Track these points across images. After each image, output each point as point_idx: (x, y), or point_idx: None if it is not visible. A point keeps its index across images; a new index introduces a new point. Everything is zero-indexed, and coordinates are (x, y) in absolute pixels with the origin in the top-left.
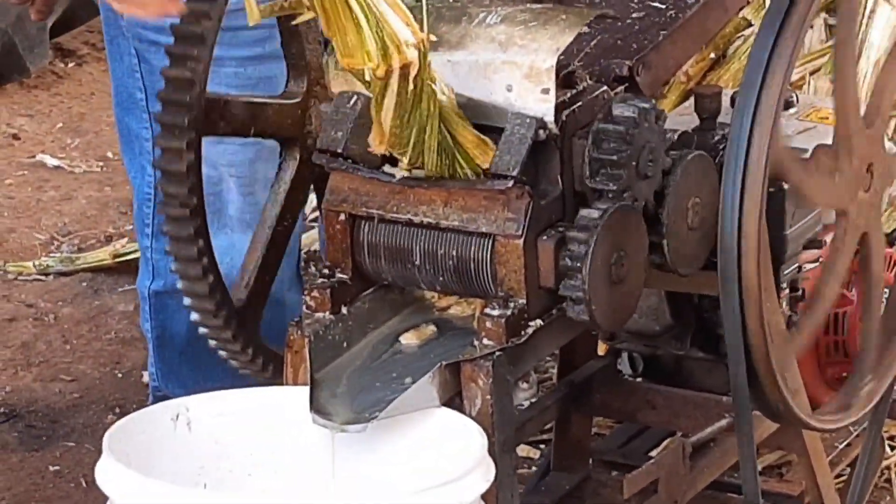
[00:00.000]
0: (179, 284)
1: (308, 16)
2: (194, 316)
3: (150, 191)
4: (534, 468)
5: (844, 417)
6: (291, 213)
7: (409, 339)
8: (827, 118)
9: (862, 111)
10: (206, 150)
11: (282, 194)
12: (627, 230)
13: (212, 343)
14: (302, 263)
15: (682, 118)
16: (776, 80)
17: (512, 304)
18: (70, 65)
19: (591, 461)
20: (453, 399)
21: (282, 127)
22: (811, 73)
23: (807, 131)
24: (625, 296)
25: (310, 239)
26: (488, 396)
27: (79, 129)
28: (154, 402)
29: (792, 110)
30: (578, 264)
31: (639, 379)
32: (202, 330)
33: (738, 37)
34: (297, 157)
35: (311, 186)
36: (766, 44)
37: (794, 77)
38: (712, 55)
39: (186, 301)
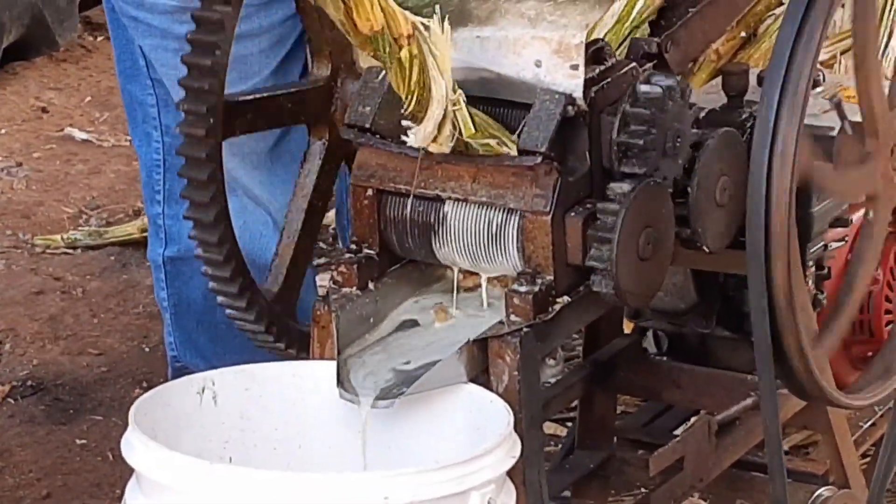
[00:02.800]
0: (196, 251)
1: None
2: (211, 284)
3: (158, 157)
4: (560, 446)
5: (872, 395)
6: (322, 196)
7: (435, 316)
8: (853, 97)
9: (886, 92)
10: None
11: (311, 178)
12: (655, 207)
13: (227, 313)
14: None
15: (708, 97)
16: (805, 59)
17: (539, 281)
18: (99, 38)
19: (615, 439)
20: (480, 376)
21: (307, 111)
22: (842, 53)
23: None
24: (652, 272)
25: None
26: (515, 373)
27: (107, 103)
28: (173, 372)
29: (819, 89)
30: (606, 240)
31: (664, 357)
32: (220, 299)
33: (770, 15)
34: (326, 139)
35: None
36: (794, 22)
37: (825, 56)
38: (743, 34)
39: (204, 269)
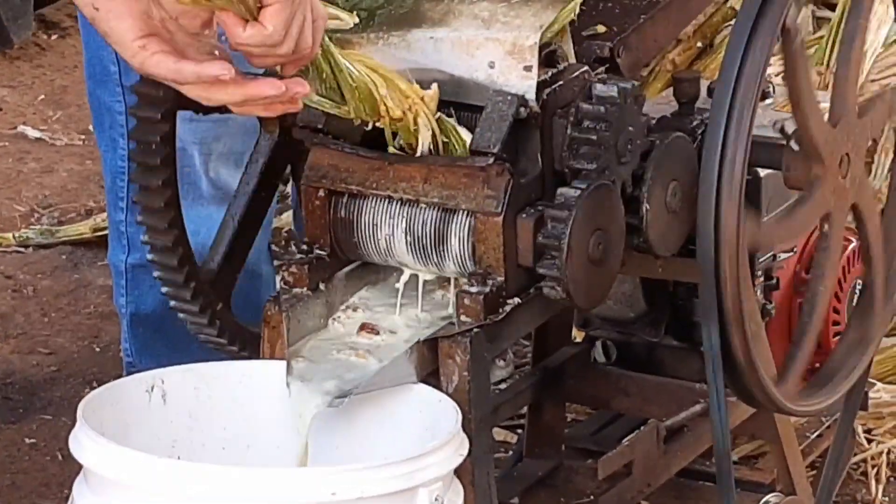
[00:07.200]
0: (149, 256)
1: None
2: (164, 288)
3: (123, 164)
4: (511, 452)
5: (818, 403)
6: (268, 187)
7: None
8: None
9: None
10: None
11: (259, 167)
12: (606, 210)
13: (181, 316)
14: (272, 238)
15: (659, 106)
16: (753, 71)
17: (490, 282)
18: (53, 37)
19: (564, 448)
20: (430, 376)
21: None
22: None
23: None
24: (602, 275)
25: (287, 219)
26: (465, 373)
27: (61, 102)
28: None
29: (768, 101)
30: (557, 242)
31: (612, 366)
32: (172, 303)
33: (726, 26)
34: (276, 131)
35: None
36: (743, 33)
37: (778, 68)
38: (699, 44)
39: (156, 273)
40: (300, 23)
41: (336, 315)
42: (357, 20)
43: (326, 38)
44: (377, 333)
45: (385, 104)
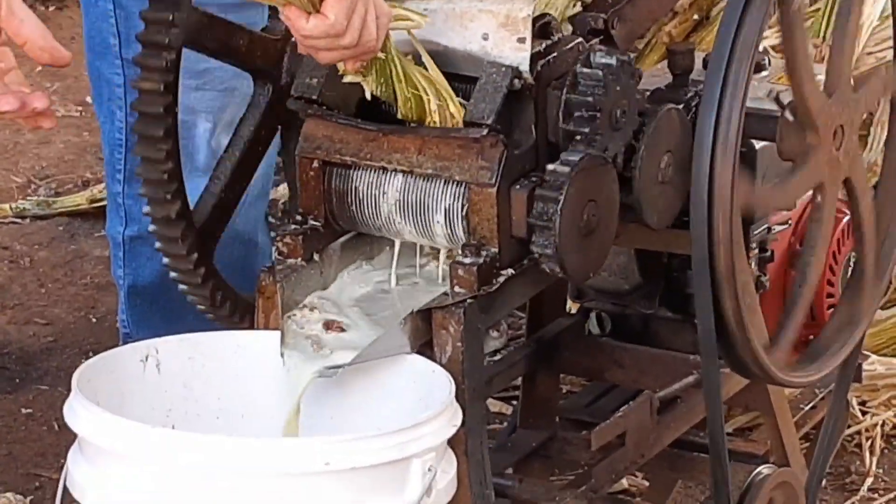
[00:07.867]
0: (151, 227)
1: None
2: (165, 259)
3: (121, 136)
4: (506, 424)
5: (811, 374)
6: (260, 146)
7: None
8: None
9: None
10: (181, 95)
11: (252, 125)
12: (599, 181)
13: (180, 287)
14: (269, 209)
15: (654, 79)
16: (748, 42)
17: (484, 253)
18: (51, 8)
19: (558, 419)
20: (424, 347)
21: (257, 58)
22: None
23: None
24: (595, 246)
25: (283, 191)
26: (459, 343)
27: (58, 74)
28: None
29: (763, 73)
30: (550, 212)
31: (607, 338)
32: (172, 274)
33: None
34: (270, 92)
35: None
36: (737, 5)
37: (775, 41)
38: (695, 16)
39: (158, 244)
40: (362, 14)
41: (292, 314)
42: (428, 20)
43: (395, 48)
44: (343, 331)
45: (431, 115)
